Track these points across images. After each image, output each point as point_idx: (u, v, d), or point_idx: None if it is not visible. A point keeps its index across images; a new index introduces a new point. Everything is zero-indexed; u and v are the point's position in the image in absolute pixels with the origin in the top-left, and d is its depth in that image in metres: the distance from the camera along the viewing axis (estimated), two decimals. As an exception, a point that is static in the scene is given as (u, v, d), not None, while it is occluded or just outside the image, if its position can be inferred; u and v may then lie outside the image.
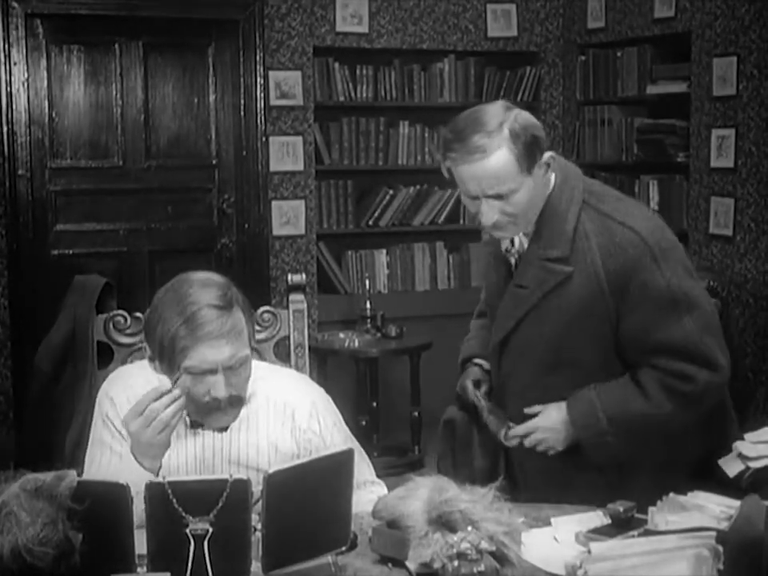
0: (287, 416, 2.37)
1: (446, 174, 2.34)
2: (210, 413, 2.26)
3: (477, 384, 2.58)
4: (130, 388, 2.35)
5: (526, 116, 2.30)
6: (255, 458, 2.32)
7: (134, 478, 2.23)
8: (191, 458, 2.32)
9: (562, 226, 2.35)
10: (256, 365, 2.39)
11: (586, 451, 2.41)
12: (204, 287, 2.23)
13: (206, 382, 2.20)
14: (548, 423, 2.43)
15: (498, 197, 2.27)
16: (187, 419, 2.31)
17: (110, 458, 2.31)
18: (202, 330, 2.17)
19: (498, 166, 2.24)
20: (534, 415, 2.45)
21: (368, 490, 2.38)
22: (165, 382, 2.23)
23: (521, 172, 2.26)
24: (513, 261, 2.46)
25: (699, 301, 2.36)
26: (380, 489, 2.43)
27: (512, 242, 2.44)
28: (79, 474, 1.79)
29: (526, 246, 2.41)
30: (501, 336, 2.47)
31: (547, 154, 2.32)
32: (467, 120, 2.29)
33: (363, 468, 2.41)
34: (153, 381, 2.28)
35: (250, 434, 2.34)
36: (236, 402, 2.26)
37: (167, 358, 2.21)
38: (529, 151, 2.26)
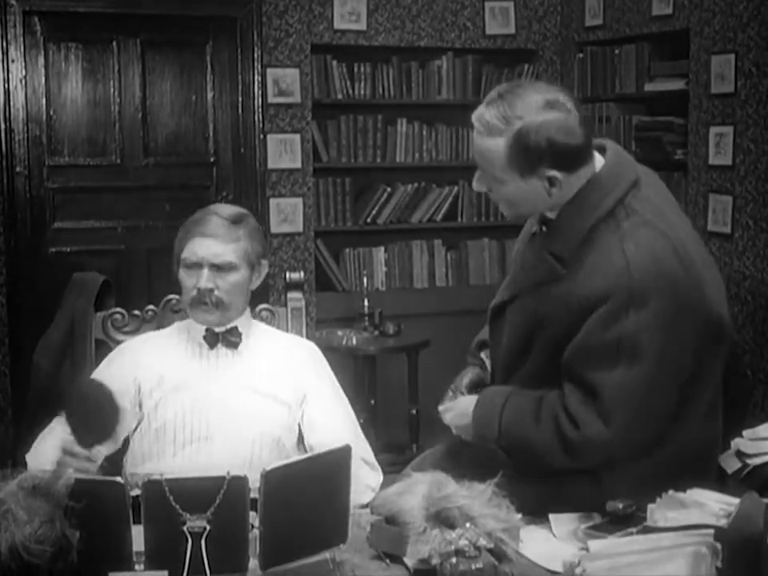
0: (288, 364, 2.58)
1: None
2: (197, 307, 2.49)
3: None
4: (145, 342, 2.60)
5: (558, 123, 2.10)
6: (263, 383, 2.52)
7: None
8: (204, 374, 2.52)
9: (578, 225, 2.17)
10: (263, 326, 2.67)
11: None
12: (225, 206, 2.60)
13: (195, 275, 2.47)
14: (460, 409, 2.35)
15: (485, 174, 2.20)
16: (201, 338, 2.52)
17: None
18: (199, 226, 2.49)
19: (488, 151, 2.15)
20: None
21: (363, 473, 2.42)
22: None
23: (511, 170, 2.14)
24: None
25: (647, 359, 2.08)
26: (375, 475, 2.50)
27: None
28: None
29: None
30: (498, 301, 2.38)
31: (557, 173, 2.13)
32: (507, 89, 2.17)
33: (358, 446, 2.45)
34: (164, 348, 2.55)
35: (259, 361, 2.55)
36: (220, 304, 2.48)
37: (175, 256, 2.52)
38: (527, 157, 2.11)
